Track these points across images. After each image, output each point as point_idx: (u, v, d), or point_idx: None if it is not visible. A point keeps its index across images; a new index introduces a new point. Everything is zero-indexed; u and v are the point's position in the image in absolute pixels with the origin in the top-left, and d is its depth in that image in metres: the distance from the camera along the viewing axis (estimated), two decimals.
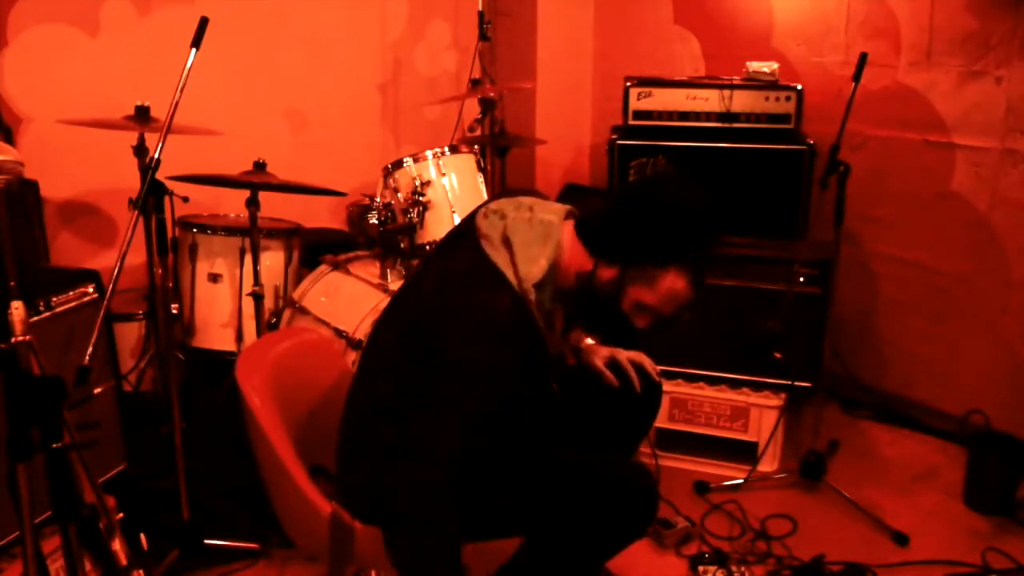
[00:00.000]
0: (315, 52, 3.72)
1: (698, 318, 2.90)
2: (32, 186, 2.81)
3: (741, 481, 2.80)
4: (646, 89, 3.25)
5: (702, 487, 2.78)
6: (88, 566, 1.62)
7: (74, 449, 1.39)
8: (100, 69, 3.13)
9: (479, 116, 3.38)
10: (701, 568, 2.36)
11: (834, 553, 2.39)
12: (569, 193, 4.23)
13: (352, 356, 2.50)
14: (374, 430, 1.69)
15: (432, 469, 1.55)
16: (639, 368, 2.00)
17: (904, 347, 3.27)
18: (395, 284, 2.74)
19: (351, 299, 2.70)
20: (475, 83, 3.54)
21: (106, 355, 2.46)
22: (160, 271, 2.25)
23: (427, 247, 2.84)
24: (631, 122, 3.29)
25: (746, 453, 2.85)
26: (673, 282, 1.60)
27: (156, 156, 2.02)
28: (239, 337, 2.88)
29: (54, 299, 2.26)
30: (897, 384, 3.31)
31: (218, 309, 2.91)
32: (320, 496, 1.73)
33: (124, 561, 1.75)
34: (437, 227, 2.81)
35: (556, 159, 4.34)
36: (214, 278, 2.89)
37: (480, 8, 3.65)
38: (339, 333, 2.60)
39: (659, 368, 2.04)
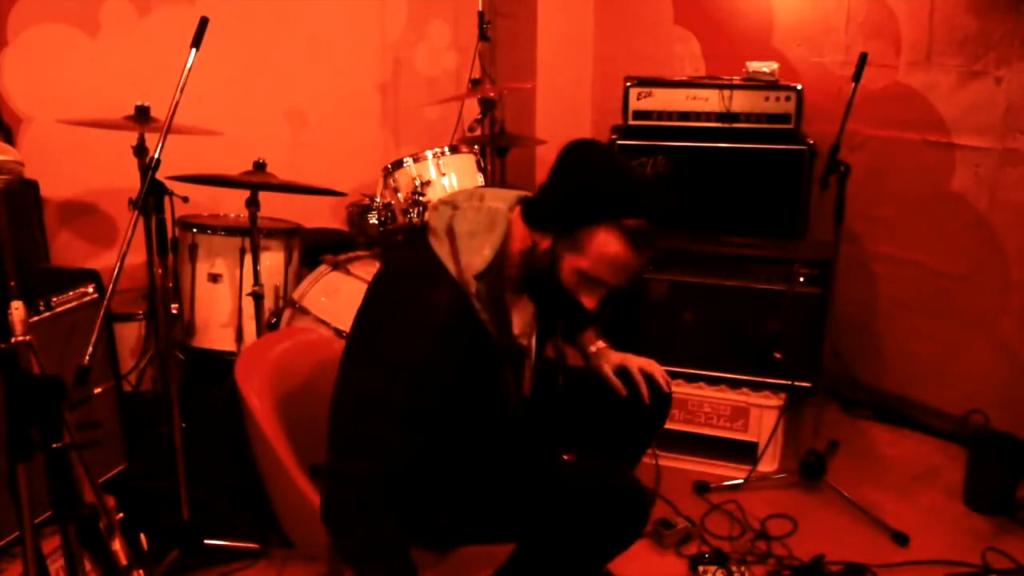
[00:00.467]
0: (315, 52, 3.72)
1: (698, 318, 2.91)
2: (32, 186, 2.81)
3: (741, 481, 2.80)
4: (646, 89, 3.25)
5: (702, 487, 2.78)
6: (88, 566, 1.62)
7: (74, 449, 1.39)
8: (100, 69, 3.13)
9: (479, 116, 3.38)
10: (701, 568, 2.36)
11: (834, 553, 2.39)
12: None
13: None
14: (332, 425, 1.71)
15: (361, 463, 1.55)
16: (649, 378, 1.98)
17: (904, 347, 3.27)
18: None
19: (351, 299, 2.68)
20: (475, 83, 3.54)
21: (106, 355, 2.46)
22: (160, 271, 2.25)
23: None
24: (631, 122, 3.29)
25: (746, 453, 2.85)
26: (603, 243, 1.54)
27: (156, 156, 2.02)
28: (239, 337, 2.88)
29: (54, 299, 2.26)
30: (897, 384, 3.31)
31: (218, 309, 2.91)
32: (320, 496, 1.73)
33: (124, 561, 1.75)
34: None
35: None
36: (214, 278, 2.90)
37: (480, 8, 3.65)
38: (339, 333, 2.60)
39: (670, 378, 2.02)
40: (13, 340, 1.34)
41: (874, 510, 2.61)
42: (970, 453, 2.79)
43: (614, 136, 3.26)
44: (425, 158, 2.86)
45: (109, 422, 2.43)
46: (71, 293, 2.32)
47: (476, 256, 1.59)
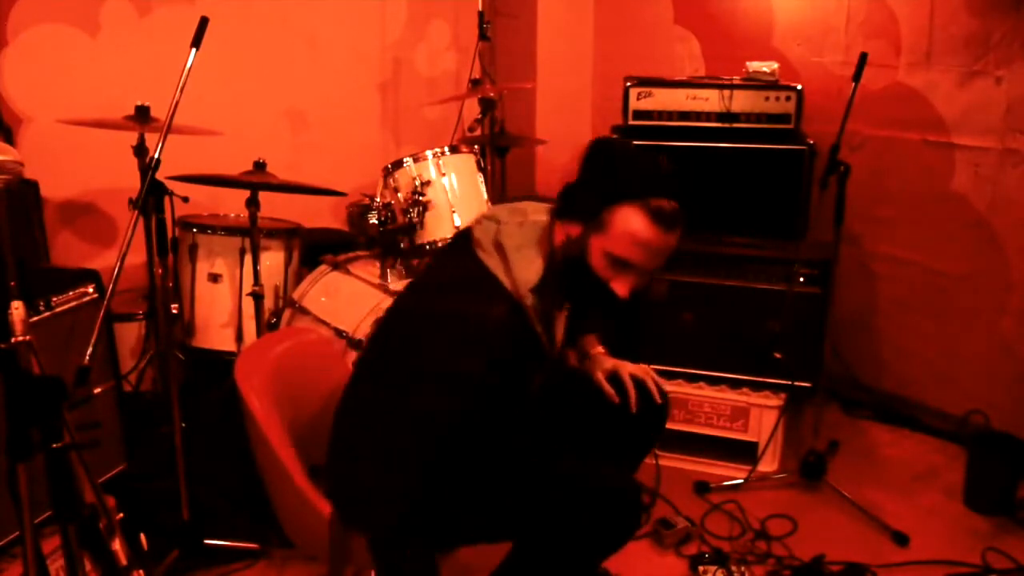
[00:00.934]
0: (315, 52, 3.72)
1: (698, 318, 2.91)
2: (32, 186, 2.81)
3: (741, 481, 2.80)
4: (646, 89, 3.25)
5: (702, 487, 2.78)
6: (88, 566, 1.62)
7: (74, 449, 1.39)
8: (100, 69, 3.13)
9: (479, 116, 3.38)
10: (701, 568, 2.36)
11: (834, 553, 2.39)
12: None
13: (352, 356, 2.50)
14: (356, 434, 1.70)
15: (405, 478, 1.55)
16: (640, 386, 1.95)
17: (904, 347, 3.27)
18: (395, 284, 2.74)
19: (351, 299, 2.70)
20: (475, 83, 3.54)
21: (106, 355, 2.46)
22: (160, 271, 2.25)
23: (427, 247, 2.84)
24: (631, 122, 3.29)
25: (746, 453, 2.85)
26: (626, 221, 1.56)
27: (156, 156, 2.02)
28: (239, 337, 2.88)
29: (54, 299, 2.26)
30: (897, 384, 3.31)
31: (218, 309, 2.91)
32: (320, 496, 1.73)
33: (124, 561, 1.75)
34: (437, 227, 2.82)
35: (556, 159, 4.34)
36: (214, 278, 2.90)
37: (480, 8, 3.65)
38: (339, 333, 2.60)
39: (666, 387, 2.01)
40: (13, 340, 1.34)
41: (874, 510, 2.61)
42: (970, 453, 2.79)
43: (614, 136, 3.26)
44: (425, 158, 2.86)
45: (109, 422, 2.43)
46: (71, 293, 2.32)
47: (529, 270, 1.60)
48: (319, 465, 1.84)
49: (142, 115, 2.57)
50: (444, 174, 2.86)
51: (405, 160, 2.87)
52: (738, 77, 3.24)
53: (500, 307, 1.57)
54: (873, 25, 3.20)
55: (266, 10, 3.54)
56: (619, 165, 1.62)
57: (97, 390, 2.35)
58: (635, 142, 3.22)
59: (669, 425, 2.88)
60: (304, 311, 2.76)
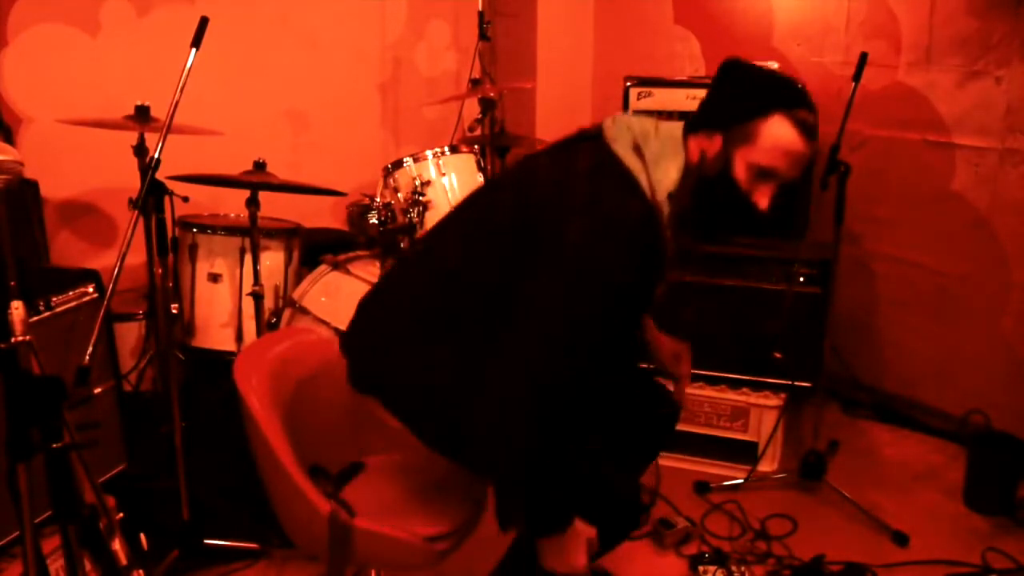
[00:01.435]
0: (315, 52, 3.72)
1: (698, 318, 2.90)
2: (32, 186, 2.81)
3: (741, 481, 2.80)
4: (646, 89, 3.25)
5: (702, 487, 2.78)
6: (88, 566, 1.62)
7: (74, 449, 1.39)
8: (100, 69, 3.13)
9: (479, 116, 3.38)
10: (701, 568, 2.36)
11: (834, 553, 2.39)
12: None
13: None
14: (442, 342, 1.59)
15: (527, 384, 1.44)
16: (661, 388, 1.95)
17: (904, 347, 3.27)
18: None
19: (351, 299, 2.67)
20: (475, 83, 3.54)
21: (106, 355, 2.46)
22: (160, 271, 2.25)
23: None
24: None
25: (746, 453, 2.85)
26: (776, 131, 1.54)
27: (156, 156, 2.02)
28: (239, 337, 2.88)
29: (54, 299, 2.26)
30: (897, 384, 3.31)
31: (218, 309, 2.91)
32: (319, 496, 1.73)
33: (124, 561, 1.75)
34: None
35: None
36: (214, 278, 2.89)
37: (480, 8, 3.65)
38: (339, 333, 2.59)
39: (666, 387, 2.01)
40: (13, 340, 1.34)
41: (874, 510, 2.61)
42: (970, 453, 2.79)
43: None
44: (425, 158, 2.86)
45: (109, 422, 2.43)
46: (71, 293, 2.32)
47: (666, 177, 1.56)
48: (318, 465, 1.84)
49: (142, 115, 2.57)
50: (444, 174, 2.86)
51: (405, 160, 2.87)
52: None
53: (639, 203, 1.52)
54: (873, 25, 3.20)
55: (266, 10, 3.54)
56: (761, 80, 1.61)
57: (97, 390, 2.35)
58: None
59: None
60: (304, 311, 2.76)
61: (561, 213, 1.50)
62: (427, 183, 2.83)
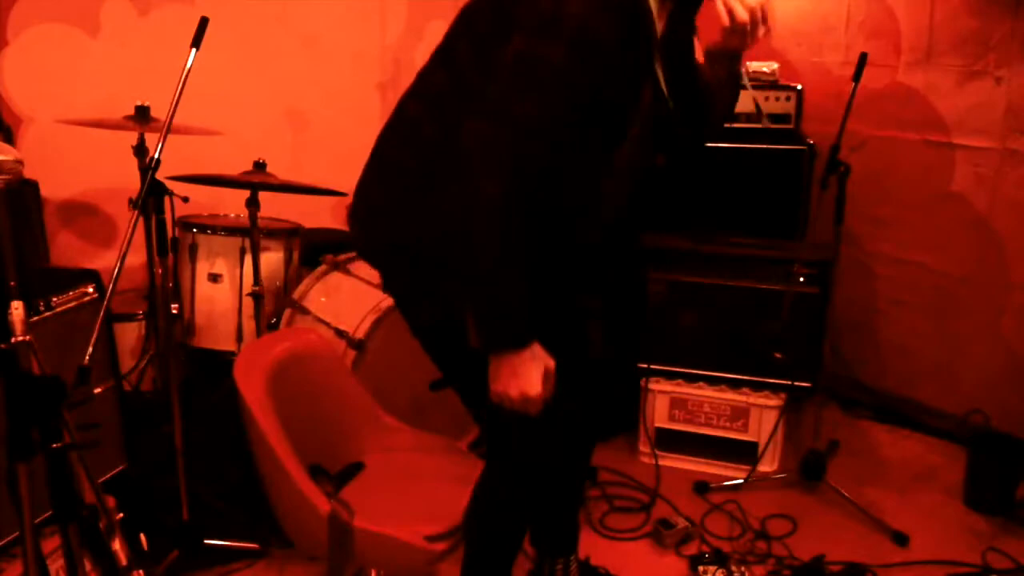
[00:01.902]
0: (315, 52, 3.72)
1: (698, 318, 2.90)
2: (32, 186, 2.81)
3: (741, 481, 2.80)
4: None
5: (702, 487, 2.78)
6: (88, 566, 1.62)
7: (74, 449, 1.39)
8: (100, 69, 3.13)
9: None
10: (701, 568, 2.36)
11: (834, 553, 2.39)
12: None
13: (352, 356, 2.50)
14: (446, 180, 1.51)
15: (505, 133, 1.38)
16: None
17: (904, 347, 3.27)
18: None
19: (351, 299, 2.70)
20: None
21: (106, 355, 2.46)
22: (160, 271, 2.25)
23: None
24: None
25: (746, 453, 2.85)
26: None
27: (156, 156, 2.02)
28: (239, 337, 2.88)
29: (54, 299, 2.25)
30: (897, 384, 3.31)
31: (218, 309, 2.91)
32: (319, 496, 1.73)
33: (124, 561, 1.75)
34: None
35: None
36: (214, 278, 2.90)
37: None
38: (339, 333, 2.60)
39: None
40: (13, 340, 1.34)
41: (874, 510, 2.61)
42: (970, 453, 2.79)
43: None
44: None
45: (109, 422, 2.43)
46: (71, 293, 2.32)
47: None
48: (318, 464, 1.84)
49: (142, 115, 2.57)
50: None
51: None
52: None
53: None
54: (873, 25, 3.20)
55: (266, 10, 3.54)
56: None
57: (97, 390, 2.34)
58: None
59: (669, 425, 2.92)
60: (304, 311, 2.76)
61: None
62: None
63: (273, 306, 2.91)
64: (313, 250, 3.08)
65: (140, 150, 2.63)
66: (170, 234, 2.23)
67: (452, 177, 1.46)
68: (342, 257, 2.92)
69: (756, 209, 3.11)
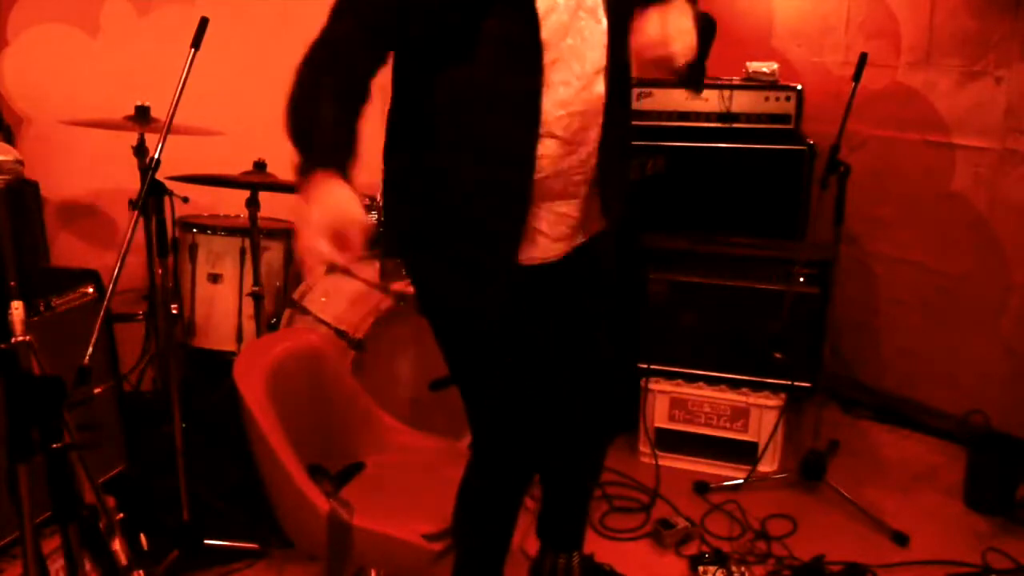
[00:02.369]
0: None
1: (698, 318, 2.91)
2: (32, 186, 2.81)
3: (741, 481, 2.80)
4: (646, 89, 3.25)
5: (702, 487, 2.78)
6: (88, 566, 1.62)
7: (74, 449, 1.39)
8: (100, 69, 3.13)
9: None
10: (701, 568, 2.36)
11: (834, 553, 2.39)
12: None
13: (352, 356, 2.50)
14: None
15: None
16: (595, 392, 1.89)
17: (904, 347, 3.27)
18: (395, 284, 2.74)
19: (351, 299, 2.70)
20: None
21: (106, 355, 2.46)
22: (160, 271, 2.26)
23: None
24: (631, 122, 3.28)
25: (746, 453, 2.85)
26: None
27: (156, 156, 2.02)
28: (239, 337, 2.88)
29: (54, 299, 2.26)
30: (897, 384, 3.31)
31: (218, 309, 2.91)
32: (319, 495, 1.73)
33: (124, 561, 1.75)
34: None
35: None
36: (214, 278, 2.90)
37: None
38: (339, 333, 2.59)
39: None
40: (13, 340, 1.34)
41: (874, 510, 2.61)
42: (970, 453, 2.79)
43: None
44: None
45: (109, 422, 2.43)
46: (71, 293, 2.32)
47: None
48: (318, 464, 1.84)
49: (142, 115, 2.57)
50: None
51: None
52: (738, 77, 3.24)
53: None
54: (873, 25, 3.20)
55: (266, 10, 3.54)
56: None
57: (97, 390, 2.35)
58: (635, 143, 3.22)
59: (669, 425, 2.92)
60: (304, 311, 2.76)
61: None
62: None
63: (273, 306, 2.91)
64: None
65: (140, 150, 2.63)
66: (170, 234, 2.24)
67: (394, 147, 1.61)
68: None
69: (756, 209, 3.11)
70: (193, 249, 2.90)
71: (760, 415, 2.83)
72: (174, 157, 2.14)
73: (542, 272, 1.68)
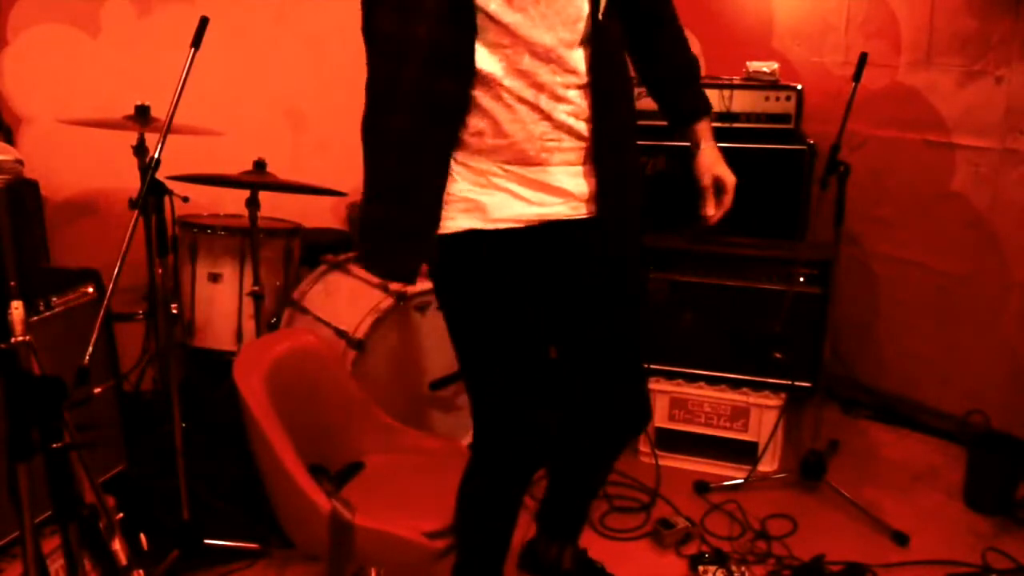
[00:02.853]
0: (315, 52, 3.71)
1: (698, 318, 2.91)
2: (32, 186, 2.81)
3: (741, 481, 2.80)
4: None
5: (702, 487, 2.78)
6: (88, 566, 1.62)
7: (74, 449, 1.39)
8: (100, 69, 3.13)
9: None
10: (701, 568, 2.36)
11: (834, 553, 2.39)
12: None
13: (352, 356, 2.50)
14: None
15: None
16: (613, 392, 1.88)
17: (904, 347, 3.27)
18: (395, 284, 2.74)
19: (351, 299, 2.70)
20: None
21: (106, 355, 2.46)
22: (160, 271, 2.26)
23: None
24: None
25: (746, 453, 2.85)
26: None
27: (156, 156, 2.02)
28: (239, 337, 2.88)
29: (54, 299, 2.25)
30: (897, 384, 3.31)
31: (218, 309, 2.91)
32: (320, 495, 1.74)
33: (124, 561, 1.75)
34: None
35: None
36: (214, 278, 2.90)
37: None
38: (339, 333, 2.60)
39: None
40: (13, 340, 1.34)
41: (874, 510, 2.61)
42: (970, 453, 2.79)
43: None
44: None
45: (109, 422, 2.43)
46: (71, 293, 2.32)
47: None
48: (318, 465, 1.84)
49: (142, 115, 2.57)
50: None
51: None
52: (738, 77, 3.24)
53: None
54: (873, 25, 3.20)
55: (266, 10, 3.54)
56: None
57: (97, 390, 2.35)
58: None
59: (669, 425, 2.92)
60: (304, 311, 2.76)
61: None
62: None
63: (273, 306, 2.91)
64: (313, 250, 3.08)
65: (140, 150, 2.63)
66: (170, 234, 2.23)
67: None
68: (342, 257, 2.92)
69: (756, 209, 3.09)
70: (193, 249, 2.89)
71: (760, 415, 2.83)
72: (174, 157, 2.14)
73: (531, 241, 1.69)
